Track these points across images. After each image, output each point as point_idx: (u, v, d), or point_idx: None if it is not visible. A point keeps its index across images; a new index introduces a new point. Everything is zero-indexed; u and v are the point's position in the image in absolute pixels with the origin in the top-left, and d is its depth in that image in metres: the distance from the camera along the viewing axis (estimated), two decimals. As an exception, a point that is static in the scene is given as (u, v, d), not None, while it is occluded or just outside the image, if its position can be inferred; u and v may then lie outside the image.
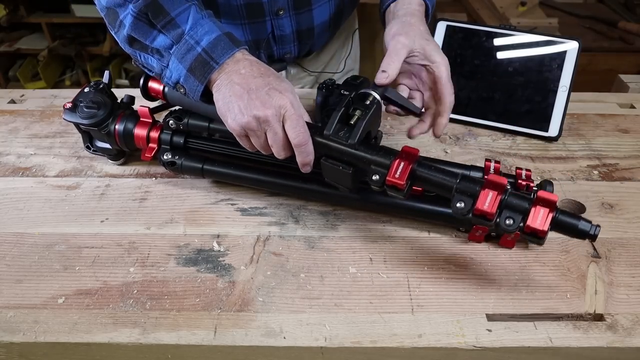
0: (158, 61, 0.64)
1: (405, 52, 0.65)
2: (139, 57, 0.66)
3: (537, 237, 0.49)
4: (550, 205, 0.49)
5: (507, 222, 0.49)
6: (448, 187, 0.52)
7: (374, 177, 0.55)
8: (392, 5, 0.72)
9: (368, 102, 0.60)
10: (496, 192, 0.50)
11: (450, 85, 0.66)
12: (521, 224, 0.49)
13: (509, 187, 0.51)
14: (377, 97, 0.61)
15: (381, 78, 0.63)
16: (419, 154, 0.55)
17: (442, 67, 0.65)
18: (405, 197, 0.55)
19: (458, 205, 0.51)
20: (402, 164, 0.54)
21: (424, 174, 0.54)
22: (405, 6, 0.70)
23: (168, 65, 0.63)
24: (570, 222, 0.49)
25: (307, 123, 0.59)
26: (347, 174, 0.57)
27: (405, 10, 0.70)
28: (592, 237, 0.49)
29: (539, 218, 0.48)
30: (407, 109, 0.66)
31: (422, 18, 0.70)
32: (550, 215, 0.48)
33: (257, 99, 0.57)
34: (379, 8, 0.75)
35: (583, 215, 0.68)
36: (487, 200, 0.49)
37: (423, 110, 0.69)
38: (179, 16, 0.62)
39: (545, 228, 0.48)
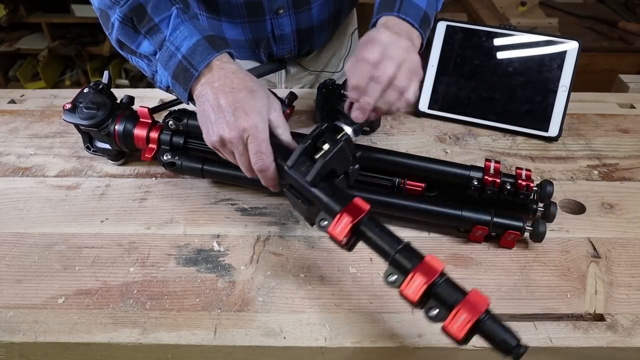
0: (147, 66, 0.64)
1: (361, 67, 0.60)
2: (131, 60, 0.66)
3: (453, 340, 0.44)
4: (474, 311, 0.43)
5: (431, 312, 0.44)
6: (386, 254, 0.48)
7: (321, 223, 0.52)
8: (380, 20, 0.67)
9: (338, 137, 0.56)
10: (425, 280, 0.45)
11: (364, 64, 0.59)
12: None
13: (445, 273, 0.46)
14: (349, 133, 0.57)
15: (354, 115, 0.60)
16: (369, 209, 0.50)
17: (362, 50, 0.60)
18: (348, 251, 0.52)
19: (389, 278, 0.47)
20: (345, 219, 0.50)
21: (367, 232, 0.50)
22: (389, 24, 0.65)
23: (157, 70, 0.62)
24: (495, 334, 0.43)
25: (277, 145, 0.57)
26: (304, 209, 0.55)
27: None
28: (515, 357, 0.42)
29: (458, 322, 0.43)
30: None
31: (397, 27, 0.65)
32: (472, 322, 0.43)
33: (223, 119, 0.56)
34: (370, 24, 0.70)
35: (583, 216, 0.68)
36: (413, 286, 0.45)
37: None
38: (162, 22, 0.61)
39: (460, 336, 0.43)
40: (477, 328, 0.43)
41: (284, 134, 0.59)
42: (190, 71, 0.59)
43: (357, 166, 0.60)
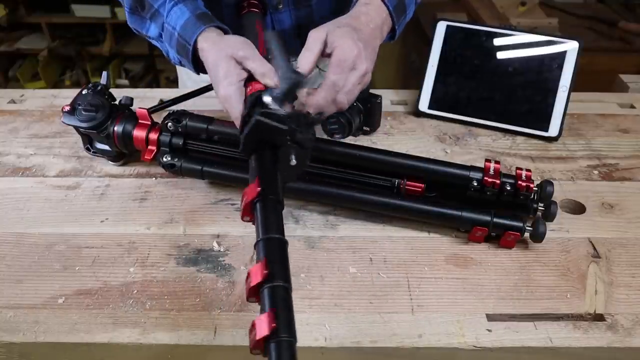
0: (161, 46, 0.73)
1: (318, 45, 0.61)
2: (152, 42, 0.76)
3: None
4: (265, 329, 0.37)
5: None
6: (257, 234, 0.45)
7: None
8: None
9: (254, 120, 0.52)
10: (262, 278, 0.40)
11: (341, 69, 0.60)
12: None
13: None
14: (267, 101, 0.55)
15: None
16: (255, 195, 0.47)
17: (337, 50, 0.60)
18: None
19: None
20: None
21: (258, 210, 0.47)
22: (355, 7, 0.67)
23: (168, 49, 0.71)
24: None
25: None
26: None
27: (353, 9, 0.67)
28: None
29: (260, 329, 0.37)
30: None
31: (361, 15, 0.66)
32: (266, 335, 0.37)
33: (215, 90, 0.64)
34: None
35: (583, 216, 0.68)
36: (255, 275, 0.41)
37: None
38: (160, 6, 0.69)
39: (251, 346, 0.38)
40: (268, 343, 0.37)
41: (262, 78, 0.60)
42: (186, 47, 0.66)
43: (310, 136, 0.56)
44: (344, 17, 0.67)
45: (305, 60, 0.61)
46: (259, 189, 0.47)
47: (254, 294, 0.41)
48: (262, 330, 0.37)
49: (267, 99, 0.54)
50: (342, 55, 0.60)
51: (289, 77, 0.56)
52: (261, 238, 0.44)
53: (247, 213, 0.48)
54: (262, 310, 0.39)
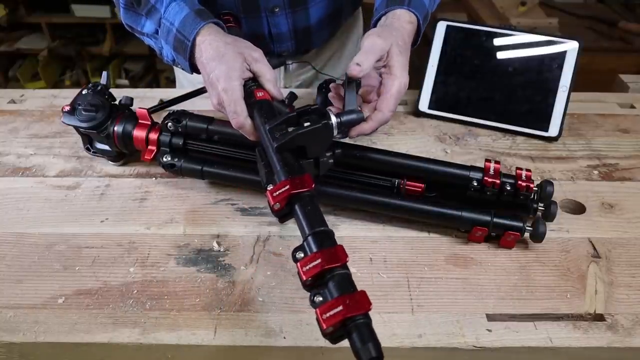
0: (155, 43, 0.73)
1: (379, 54, 0.63)
2: (145, 41, 0.75)
3: (320, 329, 0.42)
4: (351, 309, 0.41)
5: (316, 298, 0.43)
6: (304, 232, 0.48)
7: (267, 186, 0.52)
8: (382, 19, 0.71)
9: (321, 123, 0.55)
10: (323, 263, 0.43)
11: (394, 104, 0.64)
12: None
13: (344, 269, 0.44)
14: (333, 121, 0.57)
15: (354, 69, 0.62)
16: (312, 188, 0.51)
17: (396, 82, 0.63)
18: (279, 221, 0.52)
19: (296, 254, 0.46)
20: (286, 186, 0.50)
21: (298, 207, 0.49)
22: (394, 21, 0.69)
23: (162, 46, 0.71)
24: (356, 339, 0.40)
25: (265, 106, 0.60)
26: (263, 172, 0.57)
27: (391, 23, 0.69)
28: None
29: (331, 312, 0.41)
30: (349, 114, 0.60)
31: (407, 35, 0.68)
32: (344, 317, 0.40)
33: (210, 90, 0.64)
34: (371, 25, 0.73)
35: (583, 216, 0.68)
36: (309, 265, 0.44)
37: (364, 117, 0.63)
38: (157, 2, 0.69)
39: (325, 326, 0.41)
40: (346, 326, 0.41)
41: (267, 83, 0.64)
42: (184, 42, 0.66)
43: (330, 161, 0.62)
44: (398, 33, 0.67)
45: (362, 65, 0.62)
46: (294, 185, 0.50)
47: (312, 283, 0.44)
48: (340, 312, 0.41)
49: (334, 119, 0.57)
50: (401, 90, 0.64)
51: (357, 113, 0.60)
52: (309, 233, 0.47)
53: (282, 202, 0.50)
54: (329, 295, 0.43)
